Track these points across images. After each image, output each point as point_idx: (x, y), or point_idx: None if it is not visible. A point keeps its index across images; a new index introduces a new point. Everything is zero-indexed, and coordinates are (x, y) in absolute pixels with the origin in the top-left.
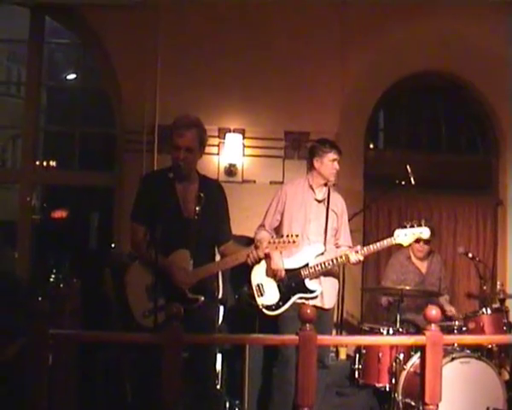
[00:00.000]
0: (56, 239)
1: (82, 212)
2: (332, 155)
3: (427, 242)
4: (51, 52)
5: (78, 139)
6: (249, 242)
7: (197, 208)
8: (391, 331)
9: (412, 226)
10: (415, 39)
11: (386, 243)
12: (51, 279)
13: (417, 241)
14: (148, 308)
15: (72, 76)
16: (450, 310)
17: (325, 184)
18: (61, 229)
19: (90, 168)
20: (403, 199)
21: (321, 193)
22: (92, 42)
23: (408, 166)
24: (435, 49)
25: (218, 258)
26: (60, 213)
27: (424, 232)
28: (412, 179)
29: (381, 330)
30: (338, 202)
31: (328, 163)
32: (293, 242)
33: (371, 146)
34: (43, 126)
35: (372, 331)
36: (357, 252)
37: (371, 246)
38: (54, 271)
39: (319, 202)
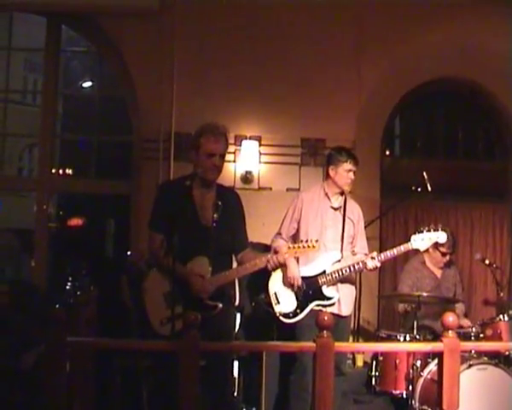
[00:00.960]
0: (73, 247)
1: (98, 220)
2: (347, 166)
3: (450, 253)
4: (67, 60)
5: (94, 147)
6: (265, 249)
7: (215, 216)
8: (408, 338)
9: (429, 231)
10: (431, 46)
11: (403, 248)
12: (68, 287)
13: (442, 252)
14: (165, 316)
15: (88, 84)
16: (465, 323)
17: (341, 193)
18: (77, 237)
19: (107, 176)
20: (419, 206)
21: (337, 201)
22: (108, 50)
23: (424, 173)
24: (452, 55)
25: (235, 265)
26: (76, 221)
27: (441, 237)
28: (429, 186)
29: (398, 337)
30: (354, 209)
31: (343, 173)
32: (313, 247)
33: (387, 153)
34: (59, 134)
35: (389, 338)
36: (373, 258)
37: (388, 252)
38: (70, 279)
39: (335, 209)
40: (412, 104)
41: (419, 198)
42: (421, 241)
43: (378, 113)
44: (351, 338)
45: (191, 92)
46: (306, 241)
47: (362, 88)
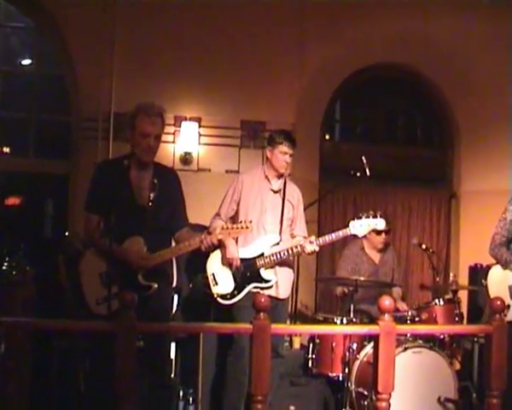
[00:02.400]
0: (10, 227)
1: (36, 199)
2: (283, 148)
3: (387, 232)
4: (5, 36)
5: (33, 126)
6: (203, 229)
7: (151, 195)
8: (344, 321)
9: (367, 217)
10: (373, 32)
11: (341, 233)
12: (4, 267)
13: (378, 233)
14: (101, 296)
15: (27, 61)
16: (402, 306)
17: (281, 176)
18: (14, 216)
19: (45, 155)
20: (358, 190)
21: (277, 184)
22: (48, 26)
23: (363, 158)
24: (393, 42)
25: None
26: (13, 201)
27: (379, 223)
28: (367, 171)
29: (335, 320)
30: (294, 192)
31: (279, 155)
32: (247, 228)
33: (327, 137)
34: None
35: (326, 321)
36: (312, 242)
37: (326, 237)
38: (7, 259)
39: (275, 192)
40: (353, 90)
41: (358, 183)
42: (360, 227)
43: (319, 97)
44: (288, 321)
45: (131, 72)
46: (240, 222)
47: (303, 72)
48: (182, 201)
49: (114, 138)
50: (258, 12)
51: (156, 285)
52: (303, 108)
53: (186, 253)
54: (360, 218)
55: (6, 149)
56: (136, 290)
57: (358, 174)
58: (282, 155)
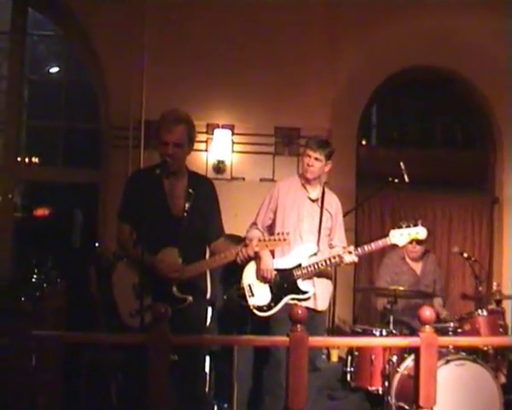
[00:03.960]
0: (39, 238)
1: (65, 210)
2: (306, 150)
3: (420, 242)
4: (33, 45)
5: (62, 135)
6: (240, 241)
7: (186, 205)
8: (384, 333)
9: (408, 226)
10: (409, 34)
11: (381, 243)
12: (33, 280)
13: (411, 241)
14: (134, 308)
15: (55, 69)
16: (444, 313)
17: (318, 183)
18: (43, 227)
19: (75, 165)
20: (396, 197)
21: (314, 192)
22: (76, 33)
23: (401, 164)
24: (430, 43)
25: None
26: (42, 211)
27: (421, 233)
28: (406, 177)
29: (374, 332)
30: (333, 201)
31: (304, 159)
32: (284, 239)
33: (364, 143)
34: (24, 121)
35: (365, 333)
36: (350, 253)
37: (365, 247)
38: (36, 271)
39: (313, 201)
40: (389, 93)
41: (396, 189)
42: (400, 236)
43: (354, 101)
44: (326, 333)
45: (162, 79)
46: (278, 234)
47: (338, 76)
48: (217, 211)
49: (145, 147)
50: (292, 16)
51: (191, 298)
52: (338, 114)
53: (222, 265)
54: (400, 227)
55: (35, 159)
56: (170, 303)
57: (396, 180)
58: (306, 158)
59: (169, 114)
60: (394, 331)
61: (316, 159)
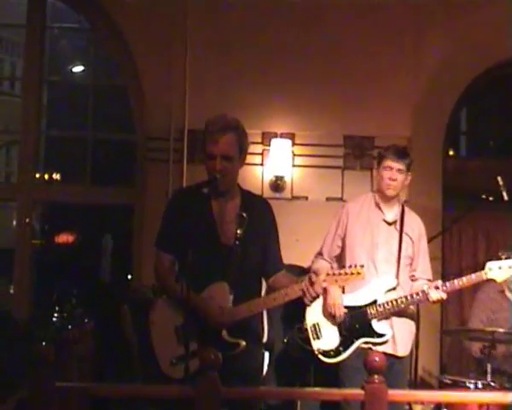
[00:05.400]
0: (61, 269)
1: (93, 236)
2: (386, 162)
3: None
4: (54, 39)
5: (89, 147)
6: (301, 272)
7: (238, 231)
8: (480, 386)
9: (509, 257)
10: (500, 23)
11: (474, 277)
12: (55, 319)
13: None
14: (177, 355)
15: (79, 68)
16: None
17: (396, 202)
18: (66, 257)
19: (104, 182)
20: (492, 219)
21: (391, 212)
22: (106, 27)
23: (499, 178)
24: None
25: (264, 292)
26: (65, 238)
27: None
28: (504, 194)
29: (468, 385)
30: (414, 224)
31: (382, 172)
32: (358, 273)
33: (451, 153)
34: (44, 131)
35: (455, 385)
36: (437, 288)
37: (456, 281)
38: (58, 308)
39: (390, 223)
40: (481, 93)
41: (491, 209)
42: (499, 270)
43: (439, 105)
44: (408, 385)
45: (209, 82)
46: (350, 266)
47: (419, 77)
48: (276, 238)
49: (189, 161)
50: (365, 9)
51: (244, 343)
52: (420, 120)
53: (282, 304)
54: (499, 258)
55: (56, 176)
56: (220, 348)
57: (492, 198)
58: (387, 171)
59: (215, 121)
60: (493, 384)
61: (398, 170)
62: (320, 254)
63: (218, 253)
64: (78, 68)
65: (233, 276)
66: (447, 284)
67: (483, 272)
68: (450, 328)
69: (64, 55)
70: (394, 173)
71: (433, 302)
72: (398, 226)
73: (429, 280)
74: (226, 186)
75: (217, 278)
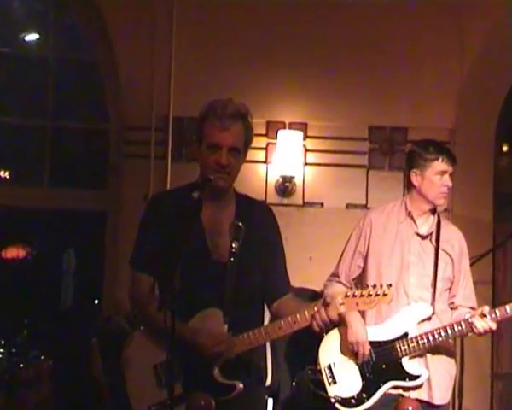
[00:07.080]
0: (10, 292)
1: (51, 250)
2: (439, 165)
3: None
4: (2, 3)
5: (48, 138)
6: (314, 297)
7: (233, 245)
8: None
9: None
10: None
11: None
12: (0, 356)
13: None
14: (157, 400)
15: (33, 37)
16: None
17: (432, 211)
18: (16, 276)
19: (67, 183)
20: None
21: (426, 224)
22: None
23: None
24: None
25: (267, 321)
26: (15, 253)
27: None
28: None
29: None
30: (454, 238)
31: (434, 178)
32: (384, 295)
33: (505, 149)
34: None
35: None
36: (485, 316)
37: (508, 308)
38: (3, 343)
39: (423, 237)
40: None
41: None
42: None
43: (489, 92)
44: None
45: (197, 59)
46: (375, 286)
47: (464, 57)
48: (281, 253)
49: (174, 157)
50: None
51: (241, 385)
52: (465, 108)
53: (288, 335)
54: None
55: (4, 174)
56: (212, 392)
57: None
58: (440, 176)
59: (223, 104)
60: None
61: (451, 175)
62: (335, 275)
63: (209, 272)
64: (31, 36)
65: (228, 301)
66: (497, 311)
67: None
68: (502, 371)
69: (15, 21)
70: (448, 179)
71: (480, 334)
72: (433, 241)
73: (472, 309)
74: (227, 184)
75: (208, 303)
